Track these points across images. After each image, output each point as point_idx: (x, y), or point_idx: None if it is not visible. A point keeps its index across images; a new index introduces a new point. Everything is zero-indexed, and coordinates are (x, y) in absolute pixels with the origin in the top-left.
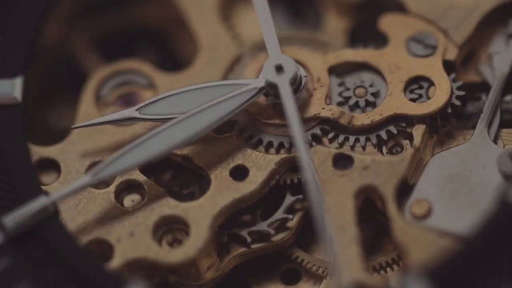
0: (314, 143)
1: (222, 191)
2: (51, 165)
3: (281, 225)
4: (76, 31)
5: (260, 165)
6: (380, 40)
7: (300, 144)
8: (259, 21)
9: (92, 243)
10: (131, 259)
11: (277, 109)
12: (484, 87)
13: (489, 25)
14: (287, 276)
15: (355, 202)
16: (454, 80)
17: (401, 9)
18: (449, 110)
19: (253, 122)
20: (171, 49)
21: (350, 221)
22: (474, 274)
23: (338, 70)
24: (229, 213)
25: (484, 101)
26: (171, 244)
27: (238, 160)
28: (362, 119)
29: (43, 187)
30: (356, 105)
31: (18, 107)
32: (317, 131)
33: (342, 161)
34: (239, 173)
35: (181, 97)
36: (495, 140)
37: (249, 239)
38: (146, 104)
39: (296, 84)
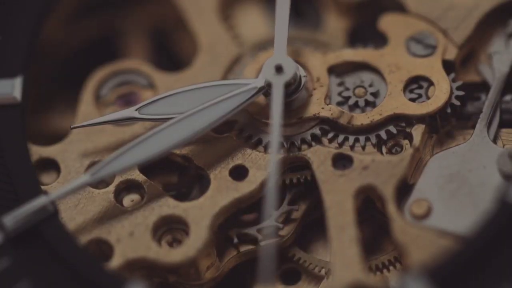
0: (313, 143)
1: (221, 191)
2: (51, 165)
3: (287, 219)
4: (76, 31)
5: (260, 165)
6: (380, 40)
7: (274, 148)
8: (276, 18)
9: (92, 243)
10: (130, 259)
11: None
12: (484, 87)
13: (489, 25)
14: (287, 276)
15: (355, 202)
16: (453, 80)
17: (401, 9)
18: (449, 110)
19: (252, 122)
20: (171, 49)
21: (350, 221)
22: (474, 274)
23: (338, 70)
24: (229, 213)
25: (484, 101)
26: (170, 244)
27: (237, 160)
28: (361, 119)
29: (42, 187)
30: (355, 105)
31: (18, 107)
32: (316, 131)
33: (341, 161)
34: (239, 173)
35: (180, 97)
36: (494, 140)
37: (260, 237)
38: (146, 104)
39: (296, 84)
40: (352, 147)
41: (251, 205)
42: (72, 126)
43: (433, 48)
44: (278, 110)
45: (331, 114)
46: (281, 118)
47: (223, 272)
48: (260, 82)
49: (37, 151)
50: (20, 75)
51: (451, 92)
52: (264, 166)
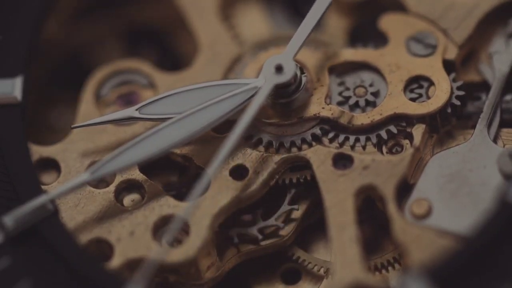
0: (314, 143)
1: (222, 191)
2: (51, 165)
3: (287, 219)
4: (76, 31)
5: (260, 164)
6: (380, 39)
7: (231, 140)
8: (305, 19)
9: (92, 242)
10: (131, 258)
11: (277, 108)
12: (484, 86)
13: (489, 24)
14: (287, 276)
15: (355, 201)
16: (454, 80)
17: (401, 8)
18: (449, 110)
19: (253, 122)
20: (171, 49)
21: (350, 220)
22: (474, 274)
23: (338, 70)
24: (229, 213)
25: (484, 101)
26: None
27: (238, 159)
28: (362, 118)
29: (43, 187)
30: (356, 105)
31: (18, 106)
32: (317, 130)
33: (342, 161)
34: (239, 172)
35: (181, 96)
36: (495, 140)
37: (260, 236)
38: (146, 104)
39: (296, 84)
40: (352, 147)
41: (251, 205)
42: (72, 126)
43: (433, 47)
44: (254, 107)
45: (332, 114)
46: (253, 117)
47: (223, 271)
48: (260, 82)
49: (38, 151)
50: (21, 75)
51: (452, 92)
52: (264, 166)
